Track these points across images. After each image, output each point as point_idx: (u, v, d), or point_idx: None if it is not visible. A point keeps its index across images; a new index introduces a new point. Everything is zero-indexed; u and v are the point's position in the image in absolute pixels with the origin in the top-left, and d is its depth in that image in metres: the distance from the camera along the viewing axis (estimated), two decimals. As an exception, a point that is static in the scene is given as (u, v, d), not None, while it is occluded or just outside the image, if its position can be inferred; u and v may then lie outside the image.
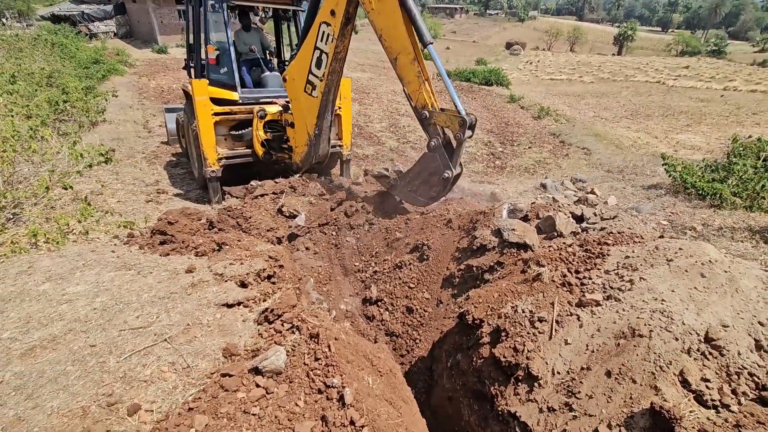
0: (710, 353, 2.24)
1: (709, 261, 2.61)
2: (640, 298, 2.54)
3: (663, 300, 2.46)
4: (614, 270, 2.84)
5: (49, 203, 4.62)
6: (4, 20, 26.97)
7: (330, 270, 4.74)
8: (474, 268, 3.73)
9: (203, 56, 6.47)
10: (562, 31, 58.34)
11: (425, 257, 4.26)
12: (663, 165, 7.85)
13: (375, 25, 4.42)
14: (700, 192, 6.74)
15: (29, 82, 9.89)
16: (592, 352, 2.44)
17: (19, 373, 2.22)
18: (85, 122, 9.67)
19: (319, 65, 5.09)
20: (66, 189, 4.54)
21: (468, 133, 4.19)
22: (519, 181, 8.81)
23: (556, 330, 2.60)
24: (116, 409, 2.01)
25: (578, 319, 2.59)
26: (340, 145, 7.30)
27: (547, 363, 2.51)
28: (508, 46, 50.60)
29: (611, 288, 2.70)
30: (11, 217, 4.33)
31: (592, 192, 7.08)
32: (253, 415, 1.97)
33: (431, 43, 4.19)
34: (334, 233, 5.04)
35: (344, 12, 4.70)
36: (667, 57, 49.42)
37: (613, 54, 54.25)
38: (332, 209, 5.30)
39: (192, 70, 7.18)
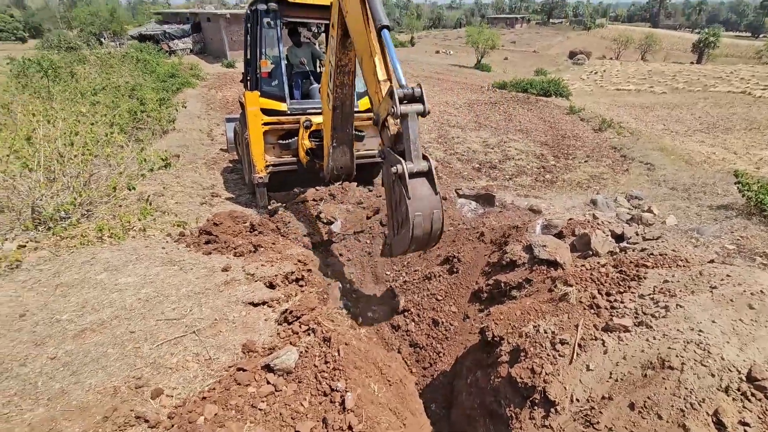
0: (753, 394, 2.00)
1: (761, 291, 2.34)
2: (674, 326, 2.33)
3: (700, 331, 2.24)
4: (649, 294, 2.64)
5: (117, 202, 5.15)
6: (102, 39, 30.63)
7: (361, 277, 4.82)
8: (502, 284, 3.62)
9: (258, 70, 6.91)
10: (633, 38, 54.74)
11: (455, 270, 4.20)
12: (736, 183, 7.08)
13: (348, 28, 4.01)
14: (780, 215, 6.00)
15: (115, 94, 11.13)
16: (616, 381, 2.28)
17: (70, 351, 2.51)
18: (158, 130, 10.68)
19: (330, 77, 4.93)
20: (130, 190, 5.04)
21: (415, 107, 3.01)
22: (569, 196, 8.36)
23: (578, 354, 2.46)
24: (142, 391, 2.21)
25: (603, 344, 2.43)
26: None
27: (565, 388, 2.38)
28: (572, 55, 48.54)
29: (644, 314, 2.50)
30: (85, 213, 4.89)
31: (649, 210, 6.54)
32: (260, 409, 2.06)
33: (386, 27, 3.32)
34: (368, 241, 5.12)
35: (339, 22, 4.28)
36: (757, 65, 44.55)
37: (692, 62, 49.99)
38: (368, 218, 5.40)
39: (248, 83, 7.69)
